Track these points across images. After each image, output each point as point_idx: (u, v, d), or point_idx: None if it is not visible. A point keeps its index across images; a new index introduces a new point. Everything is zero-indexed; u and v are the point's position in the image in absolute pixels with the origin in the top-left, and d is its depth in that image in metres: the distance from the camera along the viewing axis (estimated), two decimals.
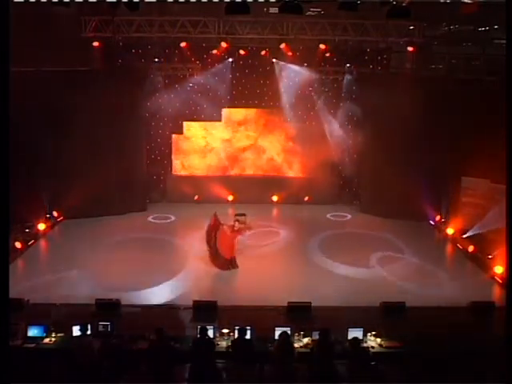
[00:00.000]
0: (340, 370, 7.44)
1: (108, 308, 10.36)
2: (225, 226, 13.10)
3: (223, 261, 13.03)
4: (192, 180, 19.19)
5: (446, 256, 15.15)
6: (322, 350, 7.76)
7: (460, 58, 18.54)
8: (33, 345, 8.64)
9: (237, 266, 13.15)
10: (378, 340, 8.93)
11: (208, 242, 13.18)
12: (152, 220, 17.08)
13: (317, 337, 8.37)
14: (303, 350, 8.52)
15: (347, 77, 18.27)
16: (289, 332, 8.30)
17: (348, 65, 17.91)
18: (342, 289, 12.03)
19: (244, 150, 19.55)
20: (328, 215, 17.84)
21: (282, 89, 18.20)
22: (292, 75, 18.06)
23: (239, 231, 13.26)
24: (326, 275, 12.88)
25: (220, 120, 19.18)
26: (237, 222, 13.28)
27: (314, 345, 8.32)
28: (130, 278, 12.31)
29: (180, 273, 12.76)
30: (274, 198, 18.94)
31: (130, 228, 16.12)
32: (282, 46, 16.97)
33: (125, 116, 16.53)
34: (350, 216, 17.90)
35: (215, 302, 10.56)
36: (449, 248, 15.39)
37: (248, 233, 13.77)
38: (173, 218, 17.26)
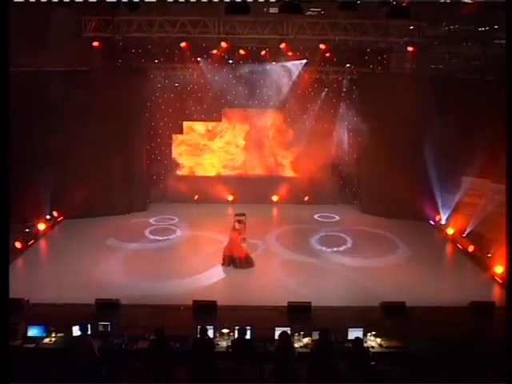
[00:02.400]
0: (340, 370, 7.44)
1: (108, 308, 10.36)
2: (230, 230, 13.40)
3: (239, 260, 13.12)
4: (192, 180, 19.20)
5: (446, 256, 15.15)
6: (321, 350, 7.77)
7: (460, 57, 18.53)
8: (33, 345, 8.64)
9: (253, 264, 13.20)
10: (378, 340, 8.93)
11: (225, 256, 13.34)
12: (153, 222, 17.06)
13: (317, 337, 8.38)
14: (303, 349, 8.52)
15: (347, 77, 18.28)
16: (289, 332, 8.30)
17: (348, 65, 17.89)
18: (342, 289, 12.03)
19: (244, 149, 19.55)
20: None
21: (282, 89, 18.20)
22: (292, 75, 18.06)
23: (240, 231, 13.42)
24: (326, 275, 12.88)
25: (220, 120, 19.20)
26: (237, 223, 13.42)
27: (314, 345, 8.33)
28: (129, 278, 12.34)
29: (180, 273, 12.75)
30: (274, 198, 18.95)
31: (129, 228, 16.11)
32: (282, 45, 16.94)
33: (125, 116, 16.53)
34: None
35: (215, 302, 10.56)
36: (449, 248, 15.38)
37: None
38: (176, 219, 17.25)
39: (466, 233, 15.19)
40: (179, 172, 19.48)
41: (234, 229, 13.42)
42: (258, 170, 19.62)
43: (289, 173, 19.61)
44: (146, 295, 11.30)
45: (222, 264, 13.18)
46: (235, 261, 13.12)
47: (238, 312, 10.29)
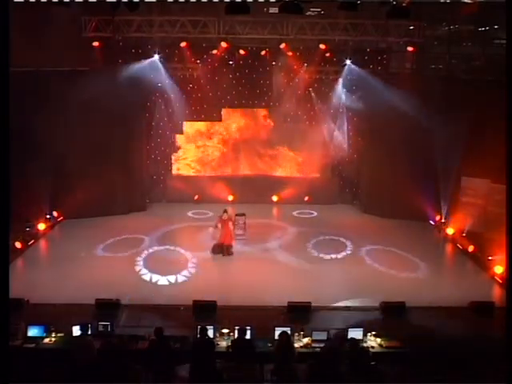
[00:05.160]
0: (340, 370, 7.43)
1: (108, 308, 10.36)
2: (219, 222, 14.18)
3: (220, 246, 13.95)
4: (192, 180, 19.19)
5: (446, 256, 15.16)
6: (322, 350, 7.76)
7: (460, 57, 18.53)
8: (33, 345, 8.64)
9: (231, 253, 13.90)
10: (378, 340, 8.93)
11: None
12: (154, 219, 17.04)
13: (317, 337, 8.38)
14: (303, 350, 8.52)
15: (347, 76, 18.26)
16: (289, 332, 8.30)
17: (349, 62, 17.79)
18: (342, 289, 12.03)
19: (244, 149, 19.54)
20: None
21: (282, 89, 18.21)
22: (292, 75, 18.06)
23: (228, 220, 14.07)
24: (326, 275, 12.88)
25: (220, 120, 19.20)
26: (225, 214, 14.01)
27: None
28: (130, 278, 12.34)
29: (180, 273, 12.76)
30: (274, 198, 18.94)
31: (129, 228, 16.09)
32: (282, 45, 16.95)
33: (125, 116, 16.52)
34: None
35: (215, 302, 10.57)
36: (449, 248, 15.39)
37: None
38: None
39: (465, 232, 15.20)
40: (179, 172, 19.48)
41: (222, 219, 13.97)
42: (257, 170, 19.61)
43: (289, 173, 19.62)
44: (145, 295, 11.30)
45: (212, 251, 13.90)
46: (223, 249, 13.80)
47: (238, 312, 10.29)
